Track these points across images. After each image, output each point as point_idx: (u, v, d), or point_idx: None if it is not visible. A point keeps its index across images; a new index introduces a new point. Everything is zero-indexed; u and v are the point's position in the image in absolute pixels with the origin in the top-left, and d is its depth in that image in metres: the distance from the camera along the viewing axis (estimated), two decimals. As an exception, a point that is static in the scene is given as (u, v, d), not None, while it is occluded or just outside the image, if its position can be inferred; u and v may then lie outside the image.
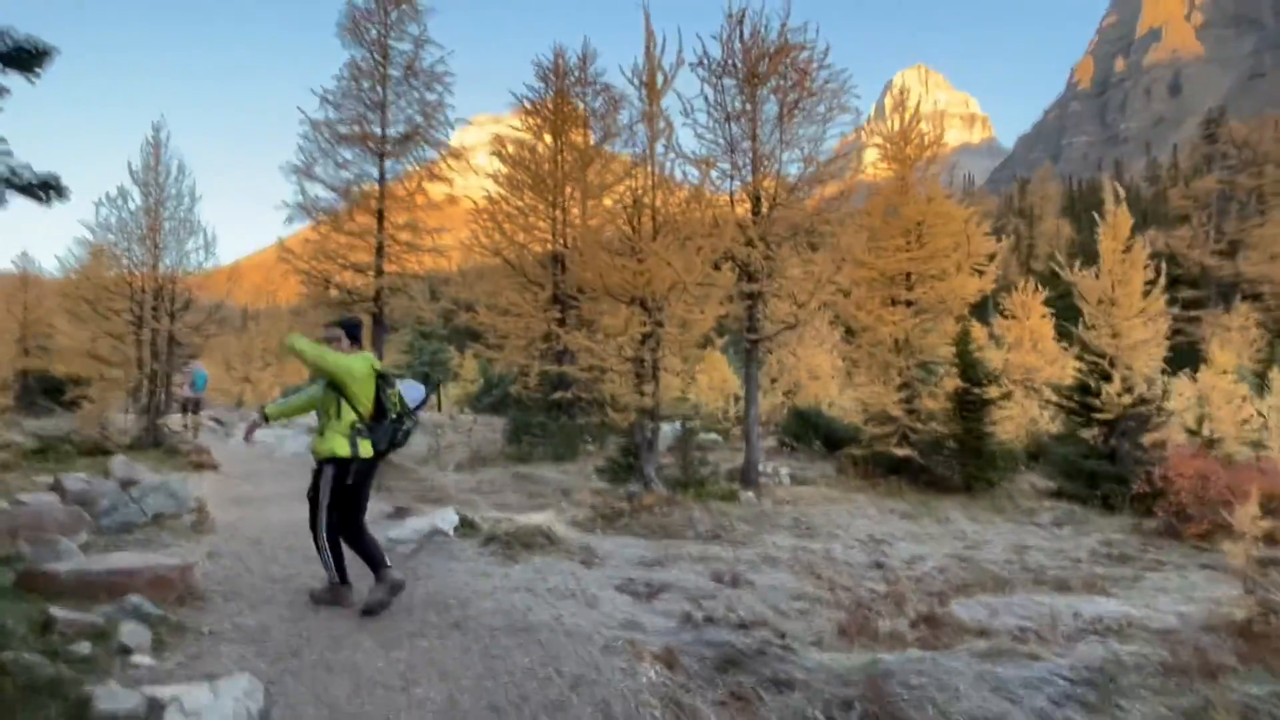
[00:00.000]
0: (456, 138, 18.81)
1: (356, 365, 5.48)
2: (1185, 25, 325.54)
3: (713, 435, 21.38)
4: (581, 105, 20.14)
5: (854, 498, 12.56)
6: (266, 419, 5.85)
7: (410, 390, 5.85)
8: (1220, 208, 58.06)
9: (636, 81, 10.90)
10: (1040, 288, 25.92)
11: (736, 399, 25.00)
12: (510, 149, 19.34)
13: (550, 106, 19.78)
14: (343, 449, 5.46)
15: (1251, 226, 54.78)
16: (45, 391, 27.43)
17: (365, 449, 5.52)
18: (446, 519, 8.40)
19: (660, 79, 10.83)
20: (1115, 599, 7.20)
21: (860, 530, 10.14)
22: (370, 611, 5.57)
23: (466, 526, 8.40)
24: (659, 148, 10.89)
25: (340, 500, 5.61)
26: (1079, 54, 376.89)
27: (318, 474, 5.61)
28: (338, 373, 5.43)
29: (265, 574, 6.95)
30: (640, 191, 10.80)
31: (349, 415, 5.49)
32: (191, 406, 17.93)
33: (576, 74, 20.16)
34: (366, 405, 5.55)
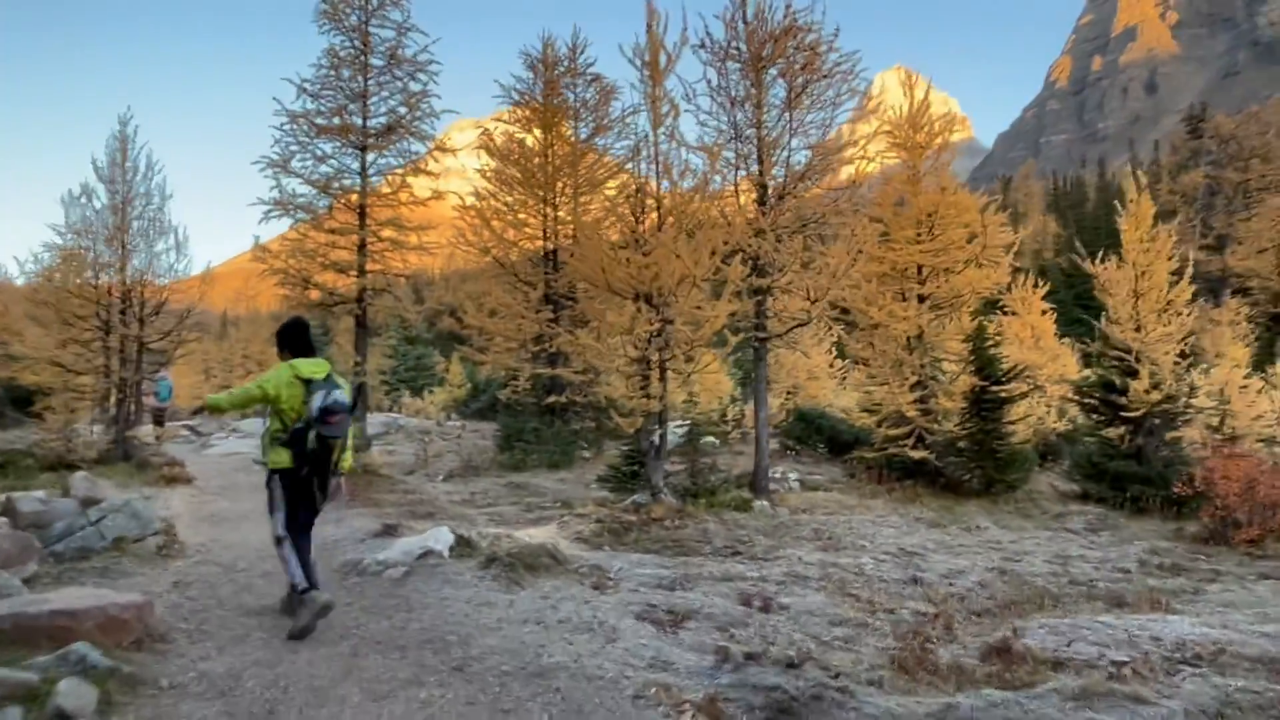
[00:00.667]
0: (441, 134, 17.98)
1: (270, 381, 5.41)
2: (1160, 24, 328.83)
3: (709, 439, 20.66)
4: (572, 97, 19.35)
5: (871, 504, 11.85)
6: (206, 409, 5.59)
7: (319, 398, 5.36)
8: (1206, 202, 57.95)
9: (638, 62, 10.13)
10: (1040, 283, 25.37)
11: (733, 400, 24.30)
12: (498, 141, 18.48)
13: (540, 98, 18.96)
14: (267, 456, 5.49)
15: (1238, 220, 54.61)
16: (14, 402, 26.34)
17: (281, 457, 5.41)
18: (440, 538, 7.60)
19: (664, 59, 10.08)
20: (1185, 617, 6.50)
21: (887, 541, 9.41)
22: (296, 637, 5.25)
23: (463, 546, 7.61)
24: (662, 133, 10.13)
25: (290, 506, 5.50)
26: (1056, 53, 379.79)
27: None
28: (259, 399, 5.42)
29: (238, 605, 6.16)
30: (644, 180, 10.05)
31: (274, 423, 5.45)
32: (159, 416, 17.07)
33: (566, 64, 19.37)
34: (291, 414, 5.42)
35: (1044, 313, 24.82)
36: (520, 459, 15.75)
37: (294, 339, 5.64)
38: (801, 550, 8.67)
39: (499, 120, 19.60)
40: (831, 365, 24.80)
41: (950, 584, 7.69)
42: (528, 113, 19.01)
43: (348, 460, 5.68)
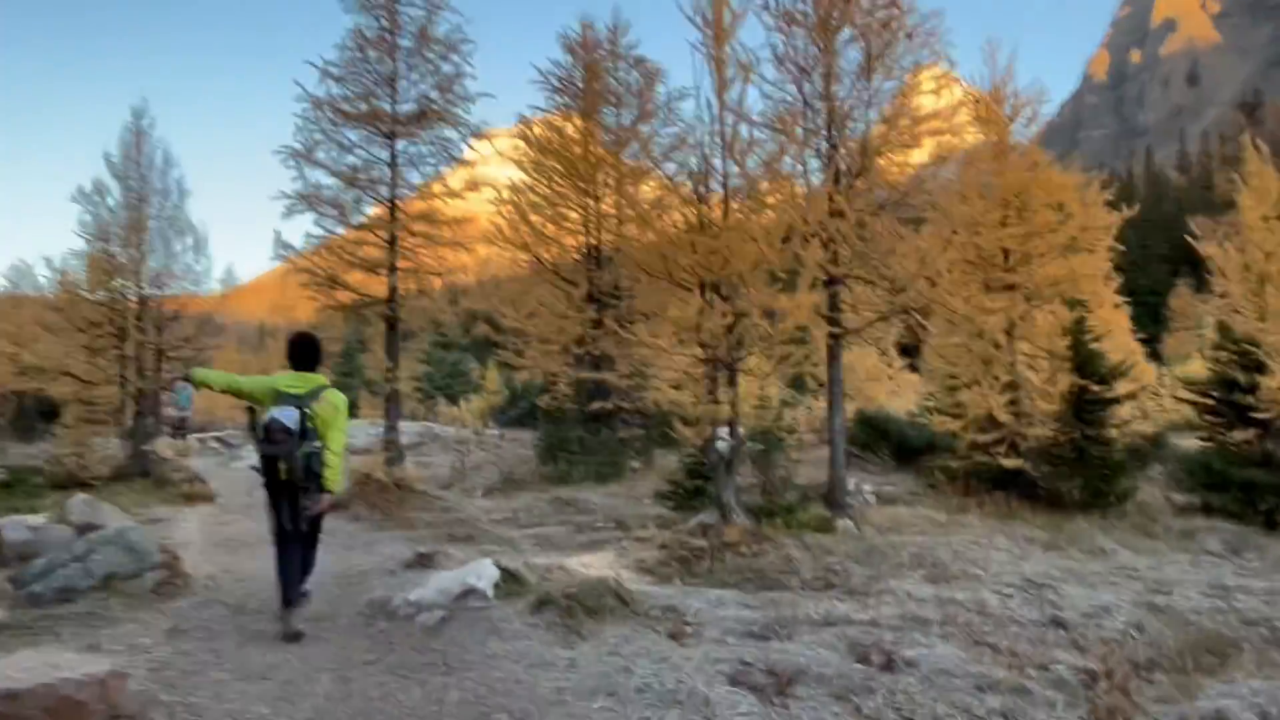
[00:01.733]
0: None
1: (257, 381, 5.84)
2: (1201, 14, 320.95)
3: (760, 446, 19.34)
4: (614, 81, 18.12)
5: (964, 521, 10.44)
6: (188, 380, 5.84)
7: (268, 414, 5.46)
8: (1268, 191, 55.51)
9: (699, 20, 8.91)
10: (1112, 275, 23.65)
11: (784, 404, 22.92)
12: (537, 130, 17.28)
13: (580, 83, 17.80)
14: None
15: (1305, 209, 52.12)
16: (42, 415, 25.81)
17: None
18: (483, 573, 6.36)
19: (728, 16, 8.84)
20: None
21: (1003, 568, 8.02)
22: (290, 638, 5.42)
23: (510, 582, 6.39)
24: (726, 100, 8.87)
25: (274, 506, 5.63)
26: (1093, 47, 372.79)
27: None
28: (235, 389, 5.85)
29: (240, 664, 5.00)
30: (707, 154, 8.80)
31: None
32: (179, 426, 16.20)
33: (607, 47, 18.18)
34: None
35: (1116, 306, 23.10)
36: (564, 471, 14.59)
37: (291, 353, 5.80)
38: (907, 582, 7.32)
39: (537, 107, 18.45)
40: (891, 365, 23.30)
41: (1098, 626, 6.31)
42: (566, 99, 17.86)
43: (333, 478, 5.56)
